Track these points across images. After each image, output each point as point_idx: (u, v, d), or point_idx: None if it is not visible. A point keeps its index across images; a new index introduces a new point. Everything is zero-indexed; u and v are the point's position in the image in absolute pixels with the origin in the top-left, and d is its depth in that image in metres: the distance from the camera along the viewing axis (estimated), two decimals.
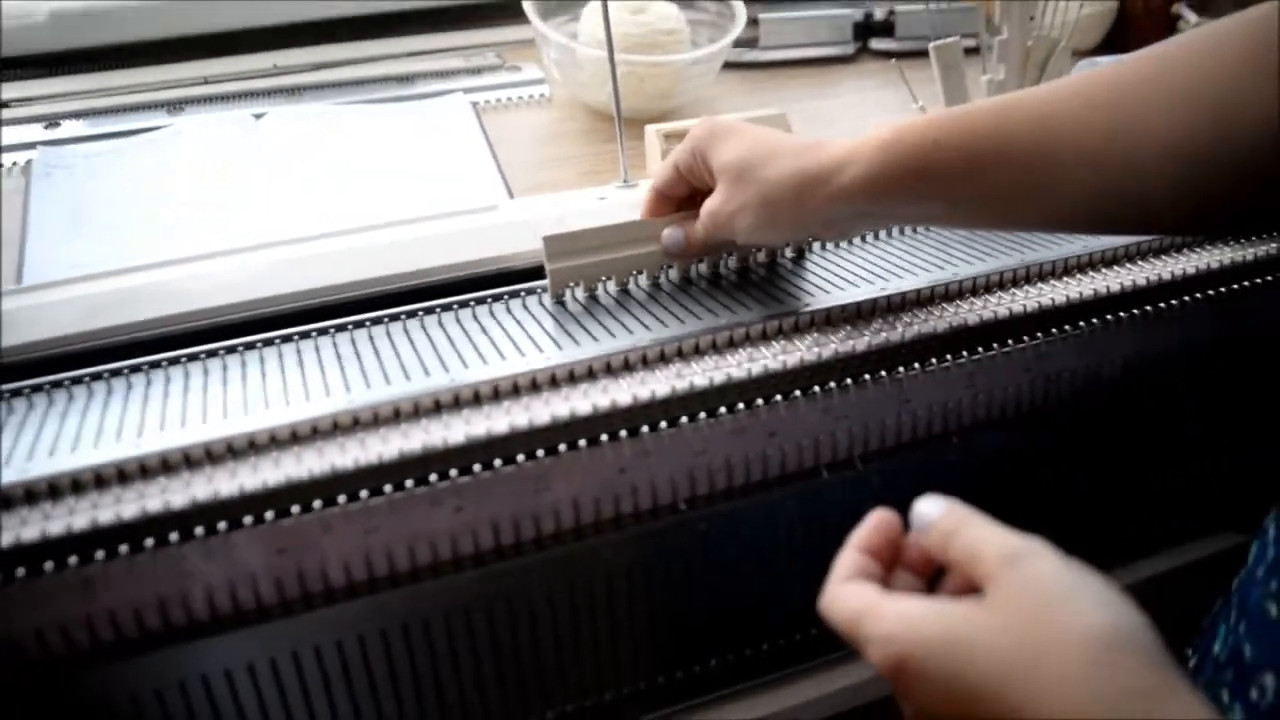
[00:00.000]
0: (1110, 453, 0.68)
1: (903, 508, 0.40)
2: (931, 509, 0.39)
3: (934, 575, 0.40)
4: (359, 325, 0.59)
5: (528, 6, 0.90)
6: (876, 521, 0.41)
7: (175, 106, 0.91)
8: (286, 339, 0.58)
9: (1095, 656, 0.32)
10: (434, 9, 0.98)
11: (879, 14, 1.06)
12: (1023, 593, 0.35)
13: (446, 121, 0.87)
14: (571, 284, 0.61)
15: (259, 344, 0.58)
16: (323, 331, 0.59)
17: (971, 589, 0.37)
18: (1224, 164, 0.45)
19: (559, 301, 0.61)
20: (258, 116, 0.87)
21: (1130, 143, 0.46)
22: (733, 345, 0.57)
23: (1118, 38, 1.15)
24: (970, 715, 0.34)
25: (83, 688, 0.46)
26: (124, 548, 0.44)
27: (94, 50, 0.94)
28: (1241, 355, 0.69)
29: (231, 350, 0.57)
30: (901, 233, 0.69)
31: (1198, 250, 0.68)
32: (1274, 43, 0.43)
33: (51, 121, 0.88)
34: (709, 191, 0.58)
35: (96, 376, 0.55)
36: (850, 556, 0.40)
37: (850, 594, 0.38)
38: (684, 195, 0.61)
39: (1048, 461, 0.65)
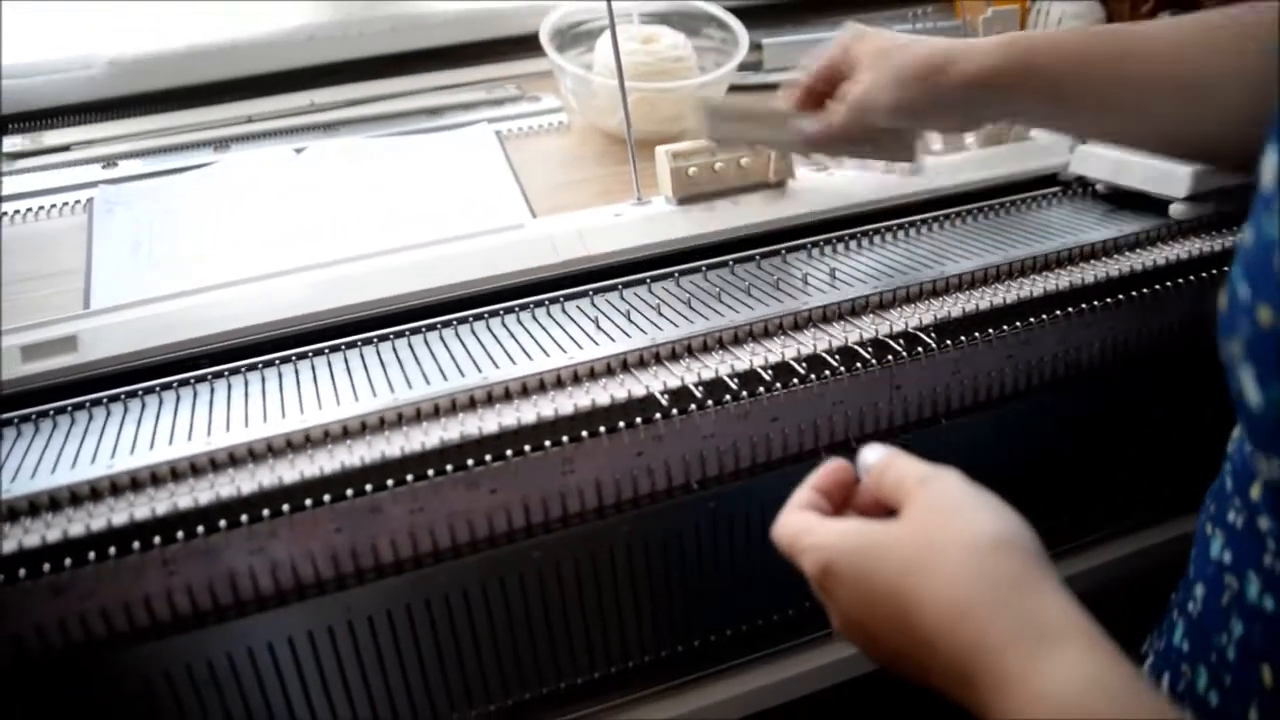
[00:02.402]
0: (1086, 434, 0.73)
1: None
2: (871, 454, 0.44)
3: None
4: (399, 335, 0.66)
5: (545, 41, 0.96)
6: (831, 466, 0.46)
7: (222, 144, 0.98)
8: (335, 349, 0.65)
9: (982, 551, 0.38)
10: (458, 45, 1.05)
11: None
12: (929, 506, 0.40)
13: (472, 150, 0.94)
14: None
15: (310, 354, 0.64)
16: (367, 342, 0.65)
17: None
18: None
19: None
20: (298, 151, 0.94)
21: (1210, 77, 0.54)
22: (737, 341, 0.63)
23: None
24: (878, 609, 0.40)
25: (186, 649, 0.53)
26: (200, 529, 0.51)
27: (147, 95, 1.02)
28: (1203, 344, 0.74)
29: (286, 360, 0.64)
30: (894, 237, 0.75)
31: (1163, 245, 0.73)
32: None
33: (109, 162, 0.95)
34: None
35: (167, 386, 0.62)
36: (803, 492, 0.45)
37: (795, 518, 0.44)
38: (827, 93, 0.68)
39: (1029, 442, 0.71)
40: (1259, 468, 0.39)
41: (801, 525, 0.43)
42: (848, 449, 0.63)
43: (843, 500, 0.45)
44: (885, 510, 0.43)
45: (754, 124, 0.71)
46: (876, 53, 0.64)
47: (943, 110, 0.64)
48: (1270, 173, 0.35)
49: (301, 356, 0.64)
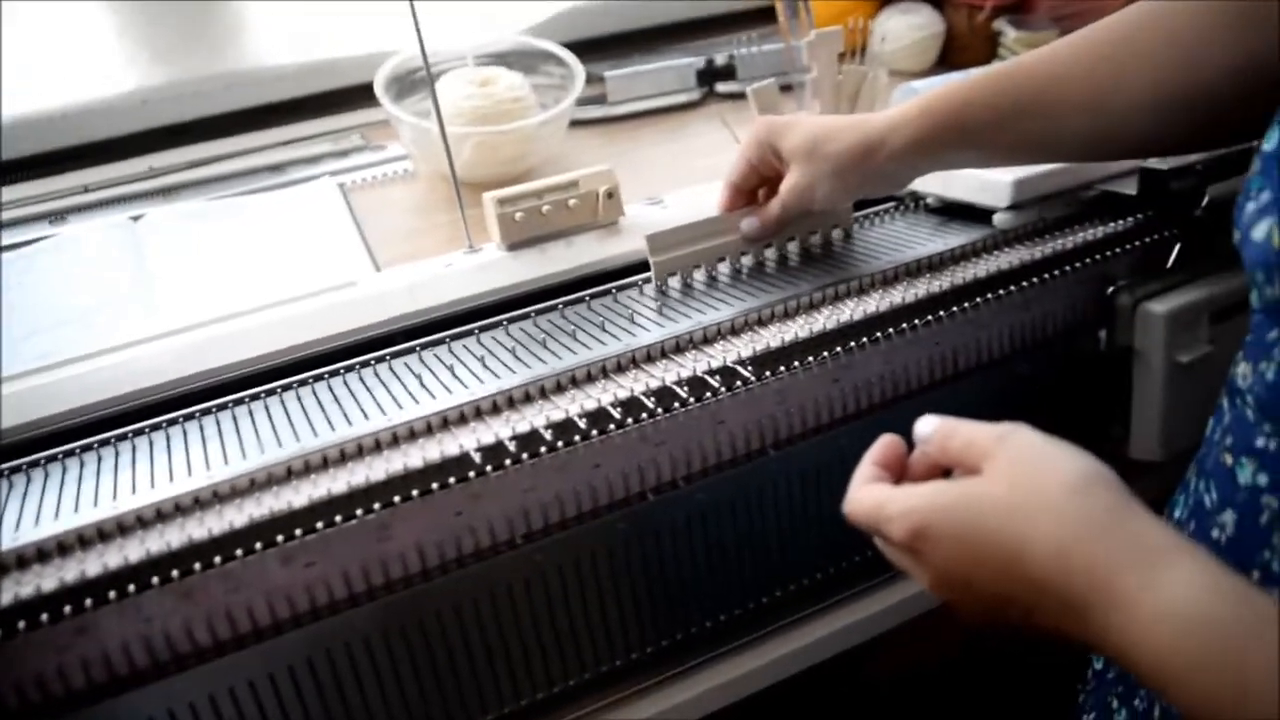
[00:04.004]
0: None
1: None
2: (928, 424, 0.47)
3: None
4: (223, 407, 0.65)
5: (380, 91, 0.96)
6: (885, 442, 0.49)
7: (58, 217, 0.96)
8: (156, 427, 0.64)
9: (1076, 489, 0.41)
10: (298, 99, 1.04)
11: (720, 59, 1.13)
12: (1014, 459, 0.43)
13: (314, 205, 0.93)
14: (668, 274, 0.73)
15: (130, 434, 0.63)
16: (189, 417, 0.64)
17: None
18: (1194, 100, 0.58)
19: (661, 291, 0.73)
20: (135, 219, 0.92)
21: (1117, 94, 0.60)
22: (560, 389, 0.64)
23: (947, 57, 1.24)
24: (983, 559, 0.42)
25: None
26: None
27: None
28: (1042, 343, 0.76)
29: (106, 443, 0.62)
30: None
31: (985, 256, 0.76)
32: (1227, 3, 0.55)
33: None
34: (777, 180, 0.71)
35: None
36: (866, 469, 0.48)
37: (869, 492, 0.47)
38: (755, 187, 0.74)
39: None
40: None
41: (881, 496, 0.46)
42: (674, 487, 0.64)
43: (900, 472, 0.49)
44: (943, 474, 0.47)
45: (695, 240, 0.74)
46: (804, 149, 0.69)
47: (876, 184, 0.71)
48: None
49: (122, 438, 0.63)
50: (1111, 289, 0.76)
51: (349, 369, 0.68)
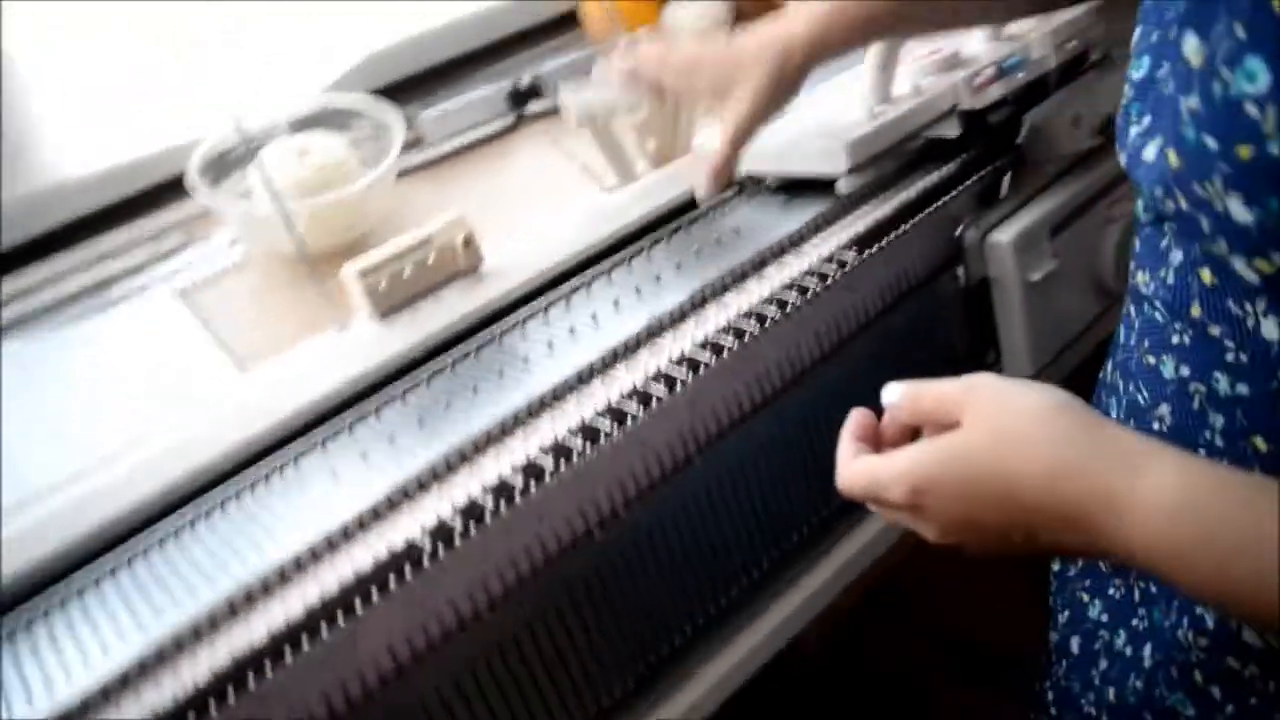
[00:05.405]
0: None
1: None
2: (895, 390, 0.51)
3: None
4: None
5: (195, 181, 0.91)
6: (857, 415, 0.53)
7: None
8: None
9: (1050, 417, 0.45)
10: (108, 208, 0.98)
11: (525, 80, 1.13)
12: (985, 402, 0.47)
13: (153, 318, 0.88)
14: None
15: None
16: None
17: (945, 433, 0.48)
18: None
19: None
20: None
21: None
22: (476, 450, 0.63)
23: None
24: (981, 501, 0.45)
25: None
26: None
27: None
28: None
29: None
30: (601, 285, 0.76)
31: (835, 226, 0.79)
32: None
33: None
34: None
35: None
36: (848, 445, 0.51)
37: (859, 465, 0.50)
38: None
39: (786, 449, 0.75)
40: (1248, 271, 0.45)
41: (872, 465, 0.49)
42: (615, 517, 0.65)
43: (876, 443, 0.52)
44: (913, 435, 0.51)
45: None
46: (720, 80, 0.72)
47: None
48: (1193, 51, 0.43)
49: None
50: (959, 229, 0.80)
51: (225, 500, 0.63)
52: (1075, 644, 0.67)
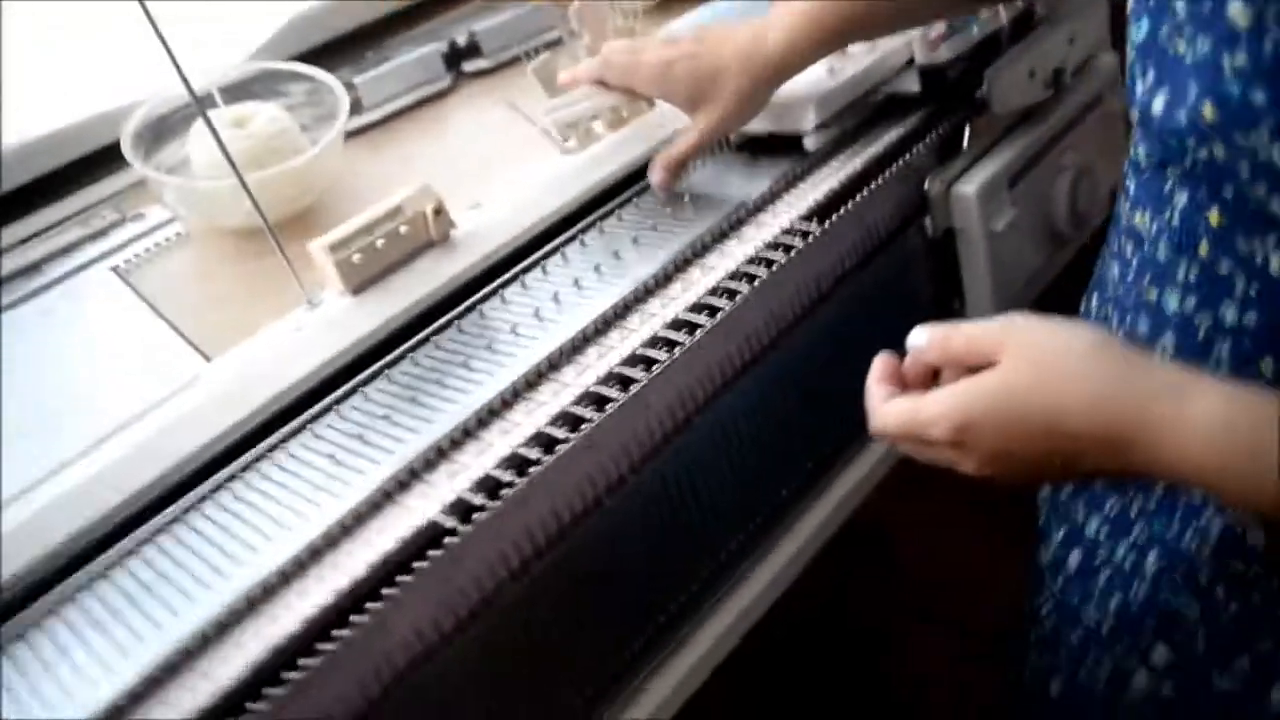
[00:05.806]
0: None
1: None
2: (921, 334, 0.52)
3: None
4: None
5: (128, 152, 0.87)
6: (882, 360, 0.54)
7: None
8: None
9: (1091, 351, 0.47)
10: (31, 183, 0.92)
11: (462, 39, 1.10)
12: (1024, 341, 0.48)
13: (96, 302, 0.83)
14: None
15: None
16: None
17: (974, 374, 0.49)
18: None
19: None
20: None
21: None
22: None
23: None
24: (1026, 435, 0.47)
25: None
26: None
27: None
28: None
29: None
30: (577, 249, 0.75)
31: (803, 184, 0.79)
32: None
33: None
34: None
35: None
36: (877, 388, 0.53)
37: (892, 407, 0.51)
38: None
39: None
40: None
41: (910, 405, 0.50)
42: (622, 483, 0.64)
43: (900, 382, 0.53)
44: (935, 377, 0.52)
45: None
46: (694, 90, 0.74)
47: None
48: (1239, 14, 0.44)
49: None
50: (926, 182, 0.81)
51: (200, 499, 0.61)
52: (1074, 560, 0.69)
